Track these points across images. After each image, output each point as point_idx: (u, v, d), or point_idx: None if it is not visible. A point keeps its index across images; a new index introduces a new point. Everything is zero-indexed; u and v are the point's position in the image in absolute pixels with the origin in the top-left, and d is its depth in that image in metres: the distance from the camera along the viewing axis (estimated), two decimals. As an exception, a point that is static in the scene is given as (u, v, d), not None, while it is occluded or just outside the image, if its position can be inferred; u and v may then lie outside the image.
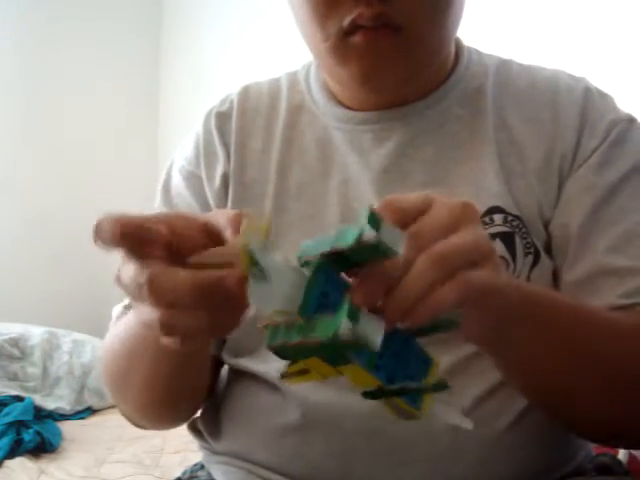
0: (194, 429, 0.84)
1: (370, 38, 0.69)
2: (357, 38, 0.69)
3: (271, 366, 0.74)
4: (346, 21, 0.69)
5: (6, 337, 2.38)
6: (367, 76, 0.72)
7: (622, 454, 1.38)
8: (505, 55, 0.84)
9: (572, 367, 0.63)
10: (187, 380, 0.74)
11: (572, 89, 0.78)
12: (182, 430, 0.86)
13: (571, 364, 0.63)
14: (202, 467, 0.83)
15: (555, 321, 0.61)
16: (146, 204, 0.87)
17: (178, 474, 0.86)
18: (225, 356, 0.80)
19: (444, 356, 0.70)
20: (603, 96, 0.78)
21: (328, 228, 0.73)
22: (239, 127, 0.83)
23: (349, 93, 0.79)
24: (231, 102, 0.85)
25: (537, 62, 0.84)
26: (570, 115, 0.75)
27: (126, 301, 0.83)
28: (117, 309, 0.83)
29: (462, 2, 0.74)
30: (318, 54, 0.75)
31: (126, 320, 0.73)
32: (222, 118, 0.84)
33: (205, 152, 0.83)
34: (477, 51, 0.83)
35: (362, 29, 0.69)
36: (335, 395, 0.70)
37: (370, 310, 0.43)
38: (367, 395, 0.47)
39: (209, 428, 0.80)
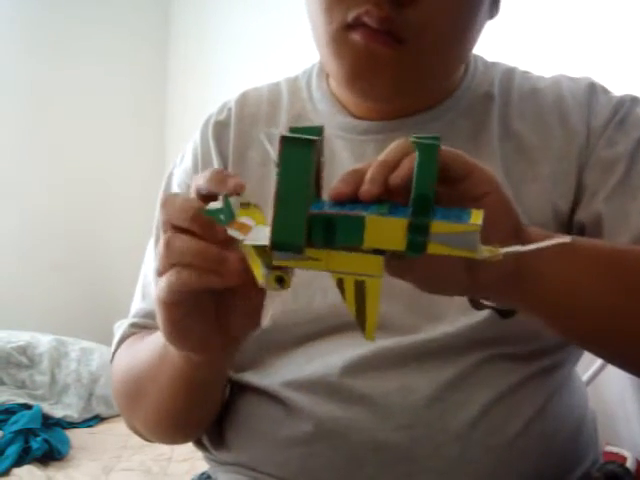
0: (198, 442, 0.84)
1: (369, 39, 0.67)
2: (356, 35, 0.67)
3: (273, 380, 0.74)
4: (351, 14, 0.67)
5: (14, 345, 2.39)
6: (357, 76, 0.70)
7: (630, 462, 1.37)
8: (509, 61, 0.84)
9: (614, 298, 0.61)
10: (202, 405, 0.74)
11: (575, 89, 0.78)
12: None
13: (613, 294, 0.61)
14: (209, 477, 0.83)
15: (592, 250, 0.62)
16: (153, 211, 0.88)
17: (185, 482, 0.87)
18: (230, 371, 0.79)
19: (450, 365, 0.71)
20: (606, 90, 0.79)
21: None
22: (237, 137, 0.81)
23: (353, 102, 0.78)
24: (229, 110, 0.84)
25: (540, 66, 0.85)
26: (577, 111, 0.76)
27: (132, 319, 0.83)
28: (121, 326, 0.83)
29: (478, 31, 0.73)
30: (319, 43, 0.73)
31: (148, 343, 0.73)
32: (220, 127, 0.83)
33: (203, 163, 0.82)
34: (482, 59, 0.83)
35: (364, 28, 0.67)
36: (340, 408, 0.70)
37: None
38: (411, 248, 0.44)
39: (213, 441, 0.80)
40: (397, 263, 0.49)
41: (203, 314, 0.53)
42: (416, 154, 0.44)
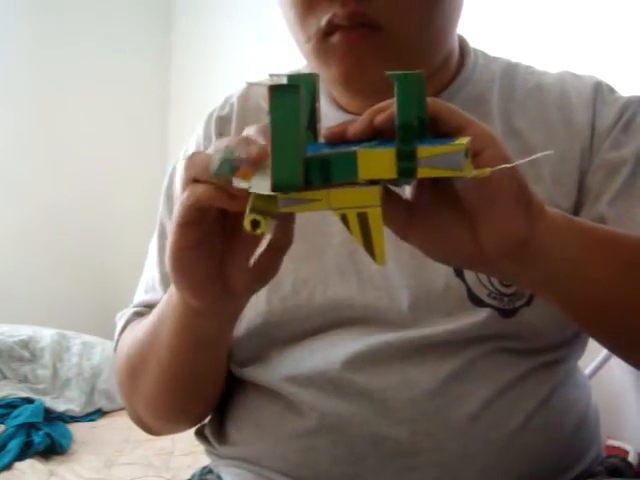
0: (200, 435, 0.83)
1: (347, 38, 0.68)
2: (335, 39, 0.68)
3: (275, 374, 0.74)
4: (323, 21, 0.68)
5: (16, 339, 2.39)
6: (348, 77, 0.71)
7: (632, 456, 1.38)
8: (510, 56, 0.84)
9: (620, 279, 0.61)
10: (205, 368, 0.73)
11: (580, 87, 0.77)
12: (192, 432, 0.86)
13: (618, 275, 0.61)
14: (210, 471, 0.83)
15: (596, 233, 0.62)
16: (155, 208, 0.88)
17: (188, 476, 0.86)
18: (232, 366, 0.79)
19: (451, 359, 0.71)
20: (612, 90, 0.78)
21: (331, 228, 0.73)
22: (239, 131, 0.81)
23: (345, 99, 0.78)
24: (231, 105, 0.84)
25: (542, 61, 0.84)
26: (582, 110, 0.75)
27: (134, 308, 0.83)
28: (123, 315, 0.83)
29: (456, 1, 0.73)
30: (304, 55, 0.74)
31: (152, 314, 0.73)
32: (222, 122, 0.83)
33: None
34: (484, 54, 0.82)
35: (340, 29, 0.68)
36: (342, 403, 0.70)
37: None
38: (402, 174, 0.46)
39: (215, 435, 0.80)
40: (400, 218, 0.51)
41: (209, 253, 0.53)
42: (395, 86, 0.47)
